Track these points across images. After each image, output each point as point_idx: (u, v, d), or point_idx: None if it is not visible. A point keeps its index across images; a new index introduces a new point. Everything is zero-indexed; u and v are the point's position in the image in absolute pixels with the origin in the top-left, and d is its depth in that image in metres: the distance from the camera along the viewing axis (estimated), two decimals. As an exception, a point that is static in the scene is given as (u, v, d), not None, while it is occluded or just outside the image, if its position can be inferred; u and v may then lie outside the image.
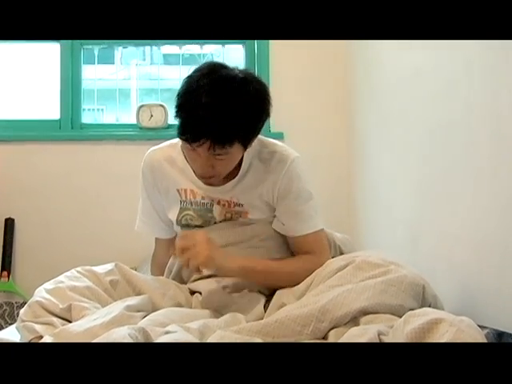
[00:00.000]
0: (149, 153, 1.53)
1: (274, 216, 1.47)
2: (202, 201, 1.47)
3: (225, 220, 1.48)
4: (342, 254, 1.55)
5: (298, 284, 1.33)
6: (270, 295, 1.40)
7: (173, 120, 1.39)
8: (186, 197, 1.49)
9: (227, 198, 1.46)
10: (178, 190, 1.49)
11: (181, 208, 1.50)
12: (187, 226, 1.51)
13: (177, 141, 1.47)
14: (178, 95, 1.31)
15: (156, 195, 1.53)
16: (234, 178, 1.44)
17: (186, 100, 1.28)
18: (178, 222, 1.51)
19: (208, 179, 1.40)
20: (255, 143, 1.42)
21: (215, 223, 1.48)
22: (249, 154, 1.43)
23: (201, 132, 1.26)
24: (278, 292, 1.37)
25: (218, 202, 1.47)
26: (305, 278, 1.33)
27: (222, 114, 1.25)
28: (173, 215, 1.51)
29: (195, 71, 1.32)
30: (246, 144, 1.34)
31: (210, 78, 1.28)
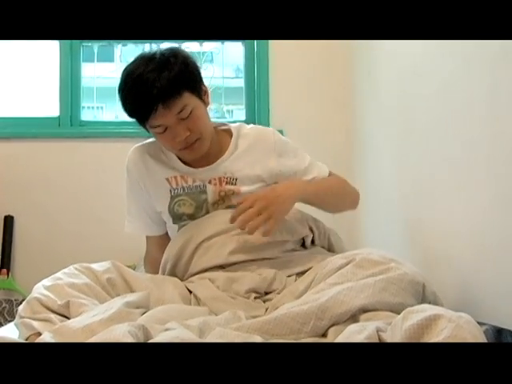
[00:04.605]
0: (132, 149, 1.59)
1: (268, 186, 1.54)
2: (195, 184, 1.52)
3: (218, 200, 1.51)
4: (330, 243, 1.58)
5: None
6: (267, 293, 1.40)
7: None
8: (176, 184, 1.53)
9: (219, 175, 1.52)
10: (167, 179, 1.53)
11: (172, 196, 1.53)
12: (179, 217, 1.53)
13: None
14: (119, 91, 1.44)
15: (142, 191, 1.55)
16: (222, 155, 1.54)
17: (126, 87, 1.42)
18: (170, 211, 1.53)
19: (195, 145, 1.46)
20: (233, 128, 1.59)
21: (207, 206, 1.51)
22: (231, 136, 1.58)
23: (149, 100, 1.37)
24: (278, 295, 1.37)
25: (210, 182, 1.51)
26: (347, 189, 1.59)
27: (155, 75, 1.37)
28: (163, 206, 1.53)
29: (124, 67, 1.46)
30: (195, 91, 1.43)
31: (136, 59, 1.44)
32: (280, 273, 1.41)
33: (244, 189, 1.52)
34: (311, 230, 1.53)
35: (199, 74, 1.48)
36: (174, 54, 1.44)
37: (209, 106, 1.52)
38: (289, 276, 1.42)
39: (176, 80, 1.39)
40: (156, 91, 1.37)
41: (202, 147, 1.49)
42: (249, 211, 1.34)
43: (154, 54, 1.43)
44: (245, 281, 1.38)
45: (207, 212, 1.53)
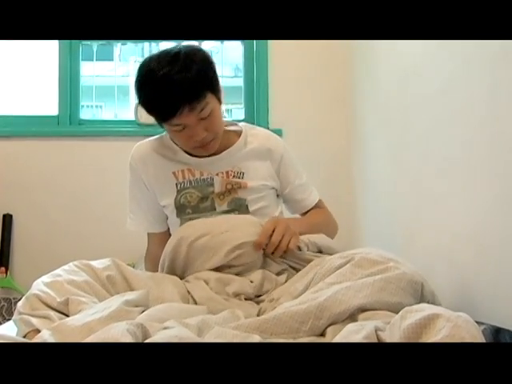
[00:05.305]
0: (136, 147, 1.62)
1: (272, 188, 1.61)
2: (202, 177, 1.55)
3: (224, 192, 1.54)
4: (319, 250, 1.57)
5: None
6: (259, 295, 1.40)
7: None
8: (183, 177, 1.55)
9: (226, 169, 1.55)
10: (173, 173, 1.55)
11: (178, 190, 1.55)
12: (183, 208, 1.54)
13: (162, 134, 1.60)
14: (137, 83, 1.44)
15: (146, 188, 1.58)
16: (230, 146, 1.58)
17: (149, 84, 1.41)
18: (176, 203, 1.55)
19: (209, 145, 1.49)
20: (243, 127, 1.64)
21: (212, 197, 1.53)
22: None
23: (175, 102, 1.38)
24: (276, 295, 1.36)
25: (217, 174, 1.55)
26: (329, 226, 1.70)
27: (180, 76, 1.38)
28: (169, 200, 1.56)
29: (144, 62, 1.47)
30: (215, 91, 1.46)
31: (159, 57, 1.43)
32: (268, 273, 1.42)
33: (250, 184, 1.54)
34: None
35: (217, 73, 1.50)
36: (196, 53, 1.45)
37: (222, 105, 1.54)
38: (278, 274, 1.43)
39: (200, 81, 1.40)
40: (182, 93, 1.38)
41: (215, 146, 1.53)
42: (277, 233, 1.42)
43: (178, 52, 1.42)
44: (234, 284, 1.38)
45: (212, 203, 1.55)
